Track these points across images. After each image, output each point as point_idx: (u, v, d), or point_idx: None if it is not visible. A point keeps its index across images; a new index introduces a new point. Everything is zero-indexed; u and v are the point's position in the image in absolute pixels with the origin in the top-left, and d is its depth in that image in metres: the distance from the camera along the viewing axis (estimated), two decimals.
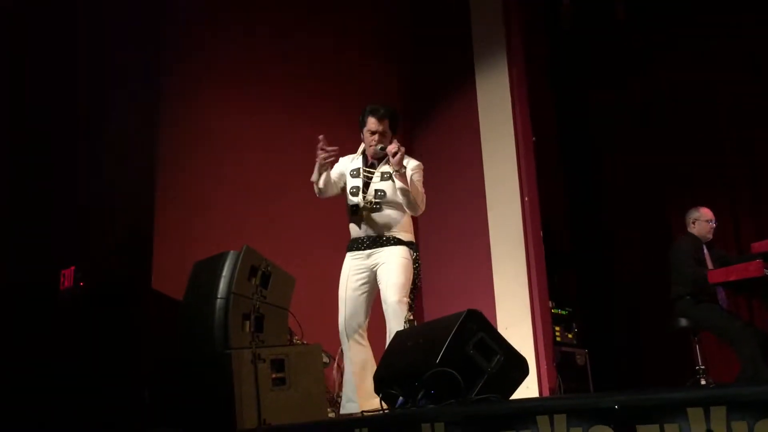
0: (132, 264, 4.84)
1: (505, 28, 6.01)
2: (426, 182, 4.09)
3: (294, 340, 4.17)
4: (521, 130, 5.80)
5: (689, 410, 1.71)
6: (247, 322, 3.37)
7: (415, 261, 3.93)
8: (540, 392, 5.15)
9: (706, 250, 5.28)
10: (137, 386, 4.24)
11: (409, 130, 6.49)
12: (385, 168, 3.95)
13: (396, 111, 4.12)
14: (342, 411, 3.93)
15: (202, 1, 5.52)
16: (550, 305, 5.68)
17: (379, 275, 3.89)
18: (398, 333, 3.47)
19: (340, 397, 4.29)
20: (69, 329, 4.63)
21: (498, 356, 2.89)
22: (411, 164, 3.95)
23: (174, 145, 5.16)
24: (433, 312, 5.78)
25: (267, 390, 3.28)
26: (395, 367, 3.15)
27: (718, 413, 1.67)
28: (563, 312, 5.95)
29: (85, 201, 5.11)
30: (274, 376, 3.34)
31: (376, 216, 3.91)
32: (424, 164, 4.11)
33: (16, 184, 5.18)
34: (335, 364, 4.77)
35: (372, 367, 3.77)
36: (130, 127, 5.19)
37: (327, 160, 3.90)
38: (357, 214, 3.95)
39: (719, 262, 5.15)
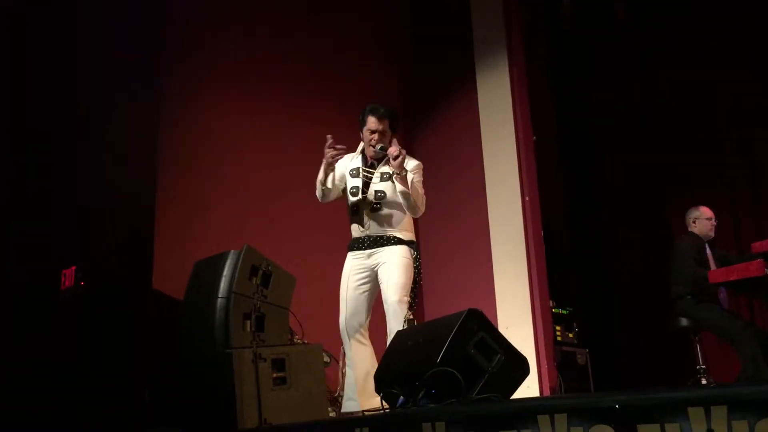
0: (132, 264, 4.84)
1: (505, 28, 6.01)
2: (426, 182, 4.09)
3: (295, 340, 4.17)
4: (522, 129, 5.80)
5: (690, 410, 1.71)
6: (248, 322, 3.37)
7: (415, 260, 3.93)
8: (541, 392, 5.15)
9: (708, 250, 5.28)
10: (138, 386, 4.24)
11: (409, 130, 6.48)
12: (385, 168, 3.94)
13: (396, 111, 4.13)
14: (343, 410, 3.94)
15: (202, 1, 5.52)
16: (551, 305, 5.68)
17: (380, 275, 3.89)
18: (399, 332, 3.47)
19: (341, 396, 4.29)
20: (69, 329, 4.63)
21: (499, 356, 2.90)
22: (411, 165, 3.95)
23: (174, 145, 5.15)
24: (433, 312, 5.78)
25: (268, 389, 3.28)
26: (396, 366, 3.15)
27: (719, 413, 1.67)
28: (564, 311, 5.95)
29: (85, 201, 5.11)
30: (274, 375, 3.34)
31: (376, 216, 3.91)
32: (424, 164, 4.11)
33: (16, 184, 5.18)
34: (340, 363, 4.77)
35: (373, 366, 3.77)
36: (130, 127, 5.19)
37: (335, 158, 3.89)
38: (357, 214, 3.95)
39: (720, 262, 5.16)
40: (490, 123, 5.98)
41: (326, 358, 4.46)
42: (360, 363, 3.86)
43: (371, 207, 3.91)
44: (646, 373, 6.31)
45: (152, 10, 5.19)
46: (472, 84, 6.16)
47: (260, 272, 3.48)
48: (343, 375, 4.32)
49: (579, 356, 5.85)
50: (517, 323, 5.35)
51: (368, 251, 3.92)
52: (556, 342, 5.65)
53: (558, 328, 5.76)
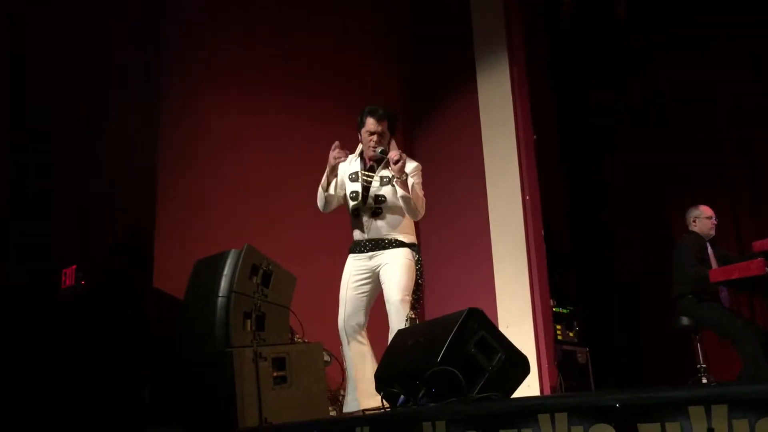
0: (133, 263, 4.84)
1: (505, 28, 6.01)
2: (427, 182, 4.08)
3: (295, 339, 4.17)
4: (522, 129, 5.80)
5: (690, 409, 1.70)
6: (249, 321, 3.37)
7: (417, 263, 3.93)
8: (541, 391, 5.16)
9: (710, 248, 5.29)
10: (138, 385, 4.24)
11: (410, 130, 6.49)
12: (385, 172, 3.93)
13: (395, 112, 4.10)
14: (345, 409, 3.94)
15: (202, 1, 5.52)
16: (551, 304, 5.69)
17: (381, 276, 3.89)
18: (399, 331, 3.47)
19: (342, 395, 4.30)
20: (70, 328, 4.63)
21: (499, 355, 2.89)
22: (410, 167, 3.93)
23: (174, 145, 5.15)
24: (434, 311, 5.77)
25: (268, 388, 3.29)
26: (396, 365, 3.15)
27: (720, 412, 1.67)
28: (564, 310, 5.95)
29: (85, 201, 5.12)
30: (275, 374, 3.35)
31: (377, 220, 3.91)
32: (424, 164, 4.10)
33: (16, 184, 5.18)
34: (341, 363, 4.77)
35: (373, 365, 3.78)
36: (130, 127, 5.19)
37: (338, 160, 3.88)
38: (358, 218, 3.95)
39: (722, 261, 5.16)
40: (491, 122, 5.99)
41: (327, 357, 4.47)
42: (359, 363, 3.86)
43: (372, 211, 3.91)
44: (646, 372, 6.32)
45: (152, 10, 5.19)
46: (473, 84, 6.17)
47: (261, 271, 3.48)
48: (345, 374, 4.32)
49: (579, 355, 5.85)
50: (517, 322, 5.35)
51: (370, 253, 3.92)
52: (556, 341, 5.65)
53: (558, 327, 5.77)
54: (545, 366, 5.28)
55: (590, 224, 7.01)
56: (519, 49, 5.99)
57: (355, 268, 3.95)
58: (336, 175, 3.96)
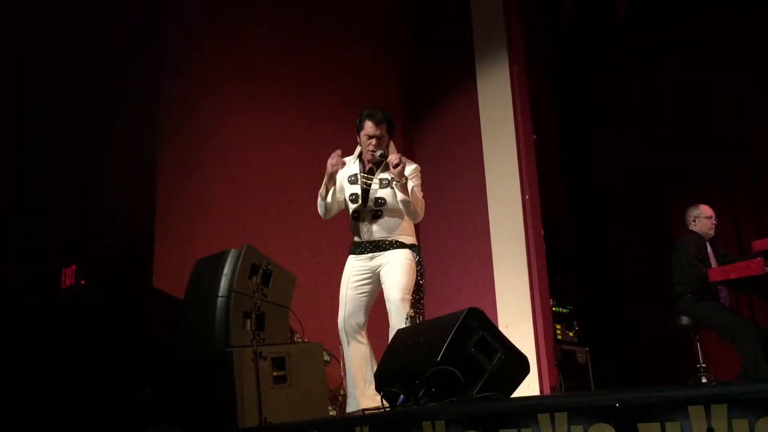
0: (133, 263, 4.84)
1: (505, 28, 6.01)
2: (426, 182, 4.08)
3: (295, 339, 4.17)
4: (522, 128, 5.80)
5: (690, 408, 1.70)
6: (248, 321, 3.37)
7: (418, 263, 3.93)
8: (541, 390, 5.16)
9: (709, 248, 5.29)
10: (138, 384, 4.25)
11: (410, 130, 6.49)
12: (384, 175, 3.93)
13: (392, 114, 4.08)
14: (347, 410, 3.94)
15: (202, 1, 5.52)
16: (551, 303, 5.69)
17: (382, 276, 3.90)
18: (399, 331, 3.47)
19: (342, 395, 4.30)
20: (70, 328, 4.63)
21: (499, 354, 2.89)
22: (408, 169, 3.92)
23: (174, 144, 5.16)
24: (434, 311, 5.77)
25: (268, 388, 3.28)
26: (396, 365, 3.15)
27: (719, 411, 1.67)
28: (564, 310, 5.96)
29: (85, 201, 5.12)
30: (275, 374, 3.34)
31: (377, 223, 3.91)
32: (424, 164, 4.10)
33: (16, 184, 5.19)
34: (341, 363, 4.78)
35: (372, 365, 3.78)
36: (130, 127, 5.19)
37: (335, 168, 3.89)
38: (358, 220, 3.95)
39: (722, 261, 5.16)
40: (491, 122, 5.99)
41: (326, 357, 4.47)
42: (358, 363, 3.86)
43: (372, 214, 3.91)
44: (646, 372, 6.31)
45: (152, 11, 5.19)
46: (473, 83, 6.17)
47: (260, 271, 3.48)
48: (344, 373, 4.33)
49: (579, 355, 5.85)
50: (517, 322, 5.36)
51: (370, 255, 3.92)
52: (556, 340, 5.65)
53: (558, 326, 5.77)
54: (545, 365, 5.28)
55: (590, 224, 7.00)
56: (519, 49, 5.99)
57: (355, 268, 3.95)
58: (334, 182, 3.97)
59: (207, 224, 5.06)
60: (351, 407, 3.86)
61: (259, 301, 3.40)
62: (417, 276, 3.90)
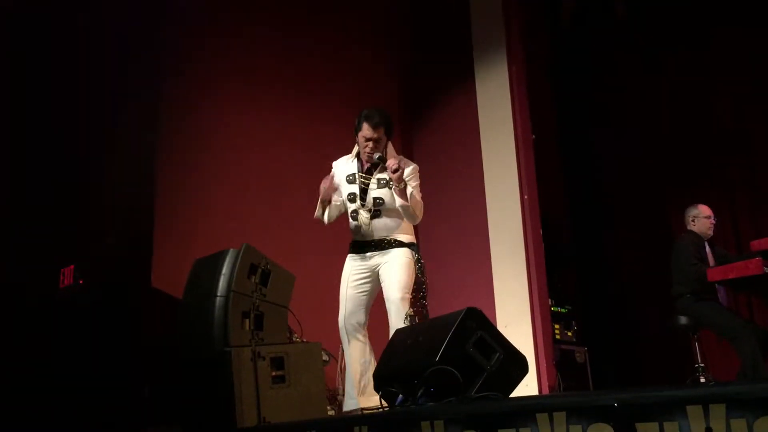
0: (132, 263, 4.84)
1: (505, 28, 6.02)
2: (425, 181, 4.08)
3: (294, 338, 4.17)
4: (521, 128, 5.81)
5: (688, 408, 1.70)
6: (247, 320, 3.36)
7: (417, 262, 3.94)
8: (539, 390, 5.16)
9: (708, 248, 5.29)
10: (137, 384, 4.25)
11: (409, 130, 6.49)
12: (382, 175, 3.93)
13: (390, 117, 4.07)
14: (344, 409, 3.94)
15: (202, 1, 5.52)
16: (550, 303, 5.69)
17: (381, 275, 3.90)
18: (398, 331, 3.48)
19: (340, 394, 4.30)
20: (69, 327, 4.63)
21: (497, 354, 2.90)
22: (407, 170, 3.91)
23: (174, 144, 5.16)
24: (433, 310, 5.75)
25: (267, 388, 3.28)
26: (395, 364, 3.15)
27: (718, 411, 1.67)
28: (563, 310, 5.96)
29: (85, 201, 5.12)
30: (273, 374, 3.34)
31: (375, 222, 3.91)
32: (423, 163, 4.11)
33: (16, 184, 5.18)
34: (339, 362, 4.78)
35: (372, 364, 3.78)
36: (130, 127, 5.19)
37: (328, 192, 3.90)
38: (357, 220, 3.95)
39: (721, 261, 5.16)
40: (490, 122, 5.99)
41: (325, 357, 4.47)
42: (358, 362, 3.86)
43: (370, 213, 3.91)
44: (644, 372, 6.32)
45: (152, 10, 5.19)
46: (472, 83, 6.17)
47: (259, 270, 3.48)
48: (343, 373, 4.32)
49: (578, 354, 5.85)
50: (516, 322, 5.36)
51: (369, 254, 3.93)
52: (555, 340, 5.65)
53: (557, 326, 5.77)
54: (544, 365, 5.28)
55: (590, 224, 7.00)
56: (518, 49, 5.99)
57: (354, 267, 3.95)
58: (329, 202, 3.97)
59: (206, 224, 5.06)
60: (349, 406, 3.86)
61: (257, 301, 3.40)
62: (417, 274, 3.90)
